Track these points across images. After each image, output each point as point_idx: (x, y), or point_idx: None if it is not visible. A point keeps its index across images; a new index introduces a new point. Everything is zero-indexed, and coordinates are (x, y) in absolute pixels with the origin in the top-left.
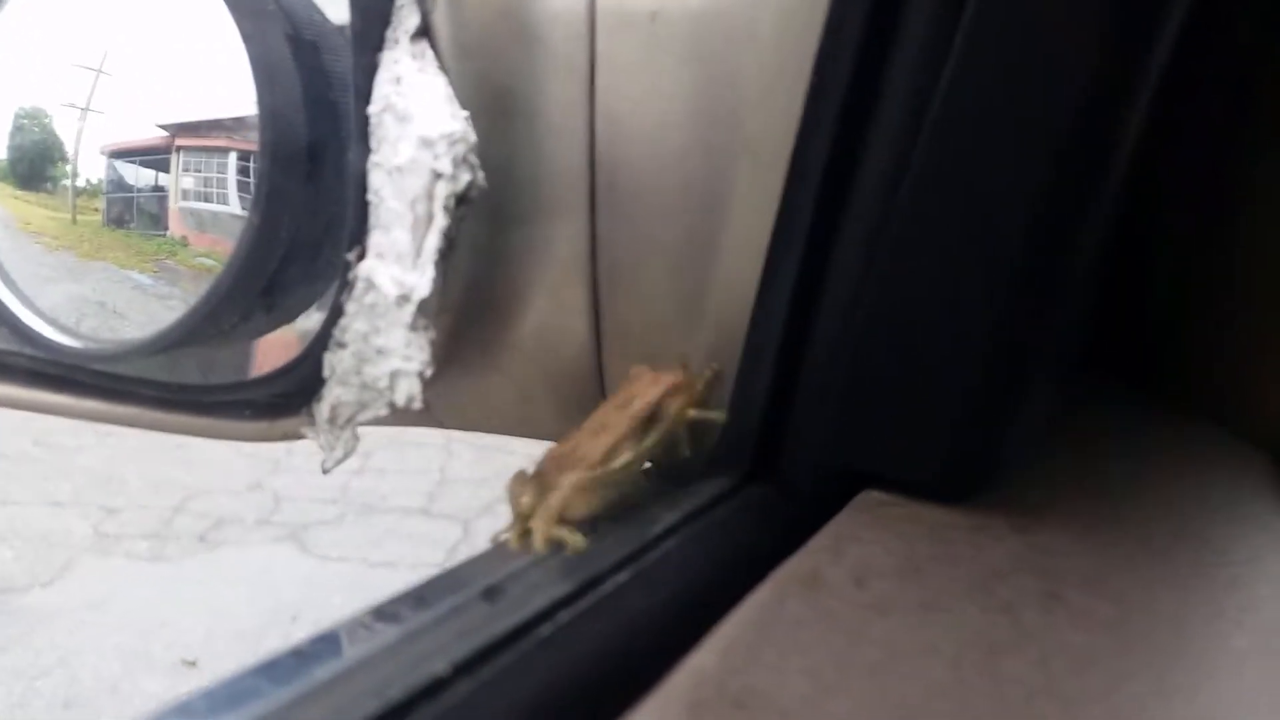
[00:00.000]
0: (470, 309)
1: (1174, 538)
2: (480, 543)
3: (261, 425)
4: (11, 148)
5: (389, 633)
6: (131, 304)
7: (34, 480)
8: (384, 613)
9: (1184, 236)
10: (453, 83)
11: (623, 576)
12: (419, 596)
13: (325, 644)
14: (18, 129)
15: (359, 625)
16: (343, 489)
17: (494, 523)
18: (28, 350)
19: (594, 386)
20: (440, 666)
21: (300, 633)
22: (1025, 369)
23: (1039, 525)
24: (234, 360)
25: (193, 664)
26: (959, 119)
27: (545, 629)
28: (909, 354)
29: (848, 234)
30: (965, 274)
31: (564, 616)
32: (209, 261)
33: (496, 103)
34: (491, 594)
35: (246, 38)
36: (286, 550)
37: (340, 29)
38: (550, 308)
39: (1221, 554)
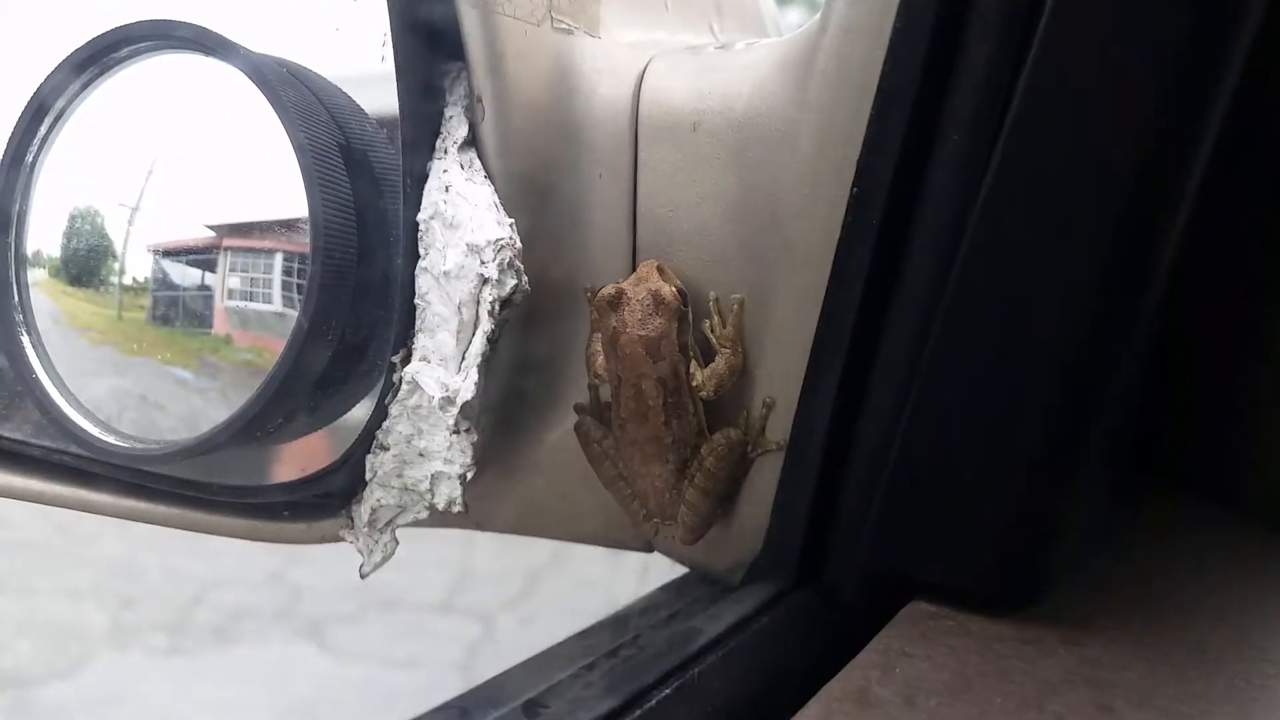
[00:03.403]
0: (511, 409)
1: (1228, 648)
2: (501, 641)
3: (300, 527)
4: (65, 246)
5: None
6: (173, 398)
7: (54, 569)
8: None
9: (1232, 337)
10: (498, 185)
11: (666, 691)
12: (459, 709)
13: None
14: (72, 228)
15: None
16: (362, 582)
17: (515, 619)
18: (73, 449)
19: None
20: None
21: None
22: (1073, 474)
23: (1089, 637)
24: (260, 460)
25: None
26: (999, 227)
27: None
28: (955, 460)
29: (890, 338)
30: (1010, 380)
31: None
32: (250, 357)
33: (540, 204)
34: (532, 709)
35: (299, 148)
36: (305, 647)
37: (390, 136)
38: None
39: (1278, 665)
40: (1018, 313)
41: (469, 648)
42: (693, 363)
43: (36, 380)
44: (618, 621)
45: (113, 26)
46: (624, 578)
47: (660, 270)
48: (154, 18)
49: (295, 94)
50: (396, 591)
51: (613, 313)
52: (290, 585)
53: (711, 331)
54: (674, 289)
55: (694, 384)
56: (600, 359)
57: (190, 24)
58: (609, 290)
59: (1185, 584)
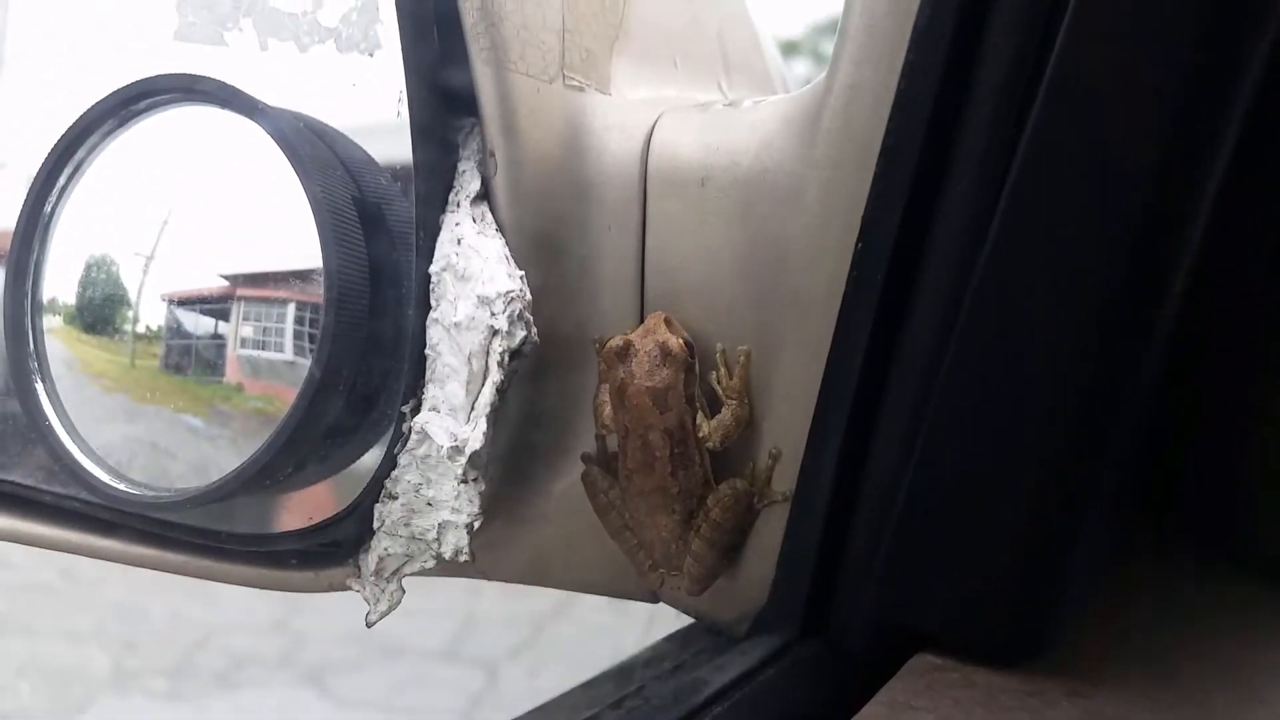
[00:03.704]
0: (519, 459)
1: (1233, 702)
2: (505, 690)
3: (308, 575)
4: (80, 294)
5: None
6: (184, 446)
7: (57, 612)
8: None
9: (1240, 382)
10: (510, 238)
11: None
12: None
13: None
14: (87, 276)
15: None
16: (365, 630)
17: (520, 668)
18: (84, 495)
19: None
20: None
21: None
22: (1080, 527)
23: (1094, 689)
24: (269, 509)
25: None
26: (1002, 283)
27: None
28: (960, 512)
29: (895, 391)
30: (1017, 432)
31: None
32: (261, 405)
33: (551, 257)
34: None
35: (314, 202)
36: (306, 694)
37: (403, 188)
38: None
39: None
40: (1022, 364)
41: (472, 697)
42: (699, 414)
43: (49, 426)
44: (622, 672)
45: (134, 80)
46: (629, 627)
47: (668, 322)
48: (174, 72)
49: (311, 149)
50: (400, 639)
51: (620, 364)
52: (294, 632)
53: (718, 383)
54: (681, 341)
55: (700, 435)
56: (608, 409)
57: (210, 79)
58: (617, 342)
59: (1191, 636)
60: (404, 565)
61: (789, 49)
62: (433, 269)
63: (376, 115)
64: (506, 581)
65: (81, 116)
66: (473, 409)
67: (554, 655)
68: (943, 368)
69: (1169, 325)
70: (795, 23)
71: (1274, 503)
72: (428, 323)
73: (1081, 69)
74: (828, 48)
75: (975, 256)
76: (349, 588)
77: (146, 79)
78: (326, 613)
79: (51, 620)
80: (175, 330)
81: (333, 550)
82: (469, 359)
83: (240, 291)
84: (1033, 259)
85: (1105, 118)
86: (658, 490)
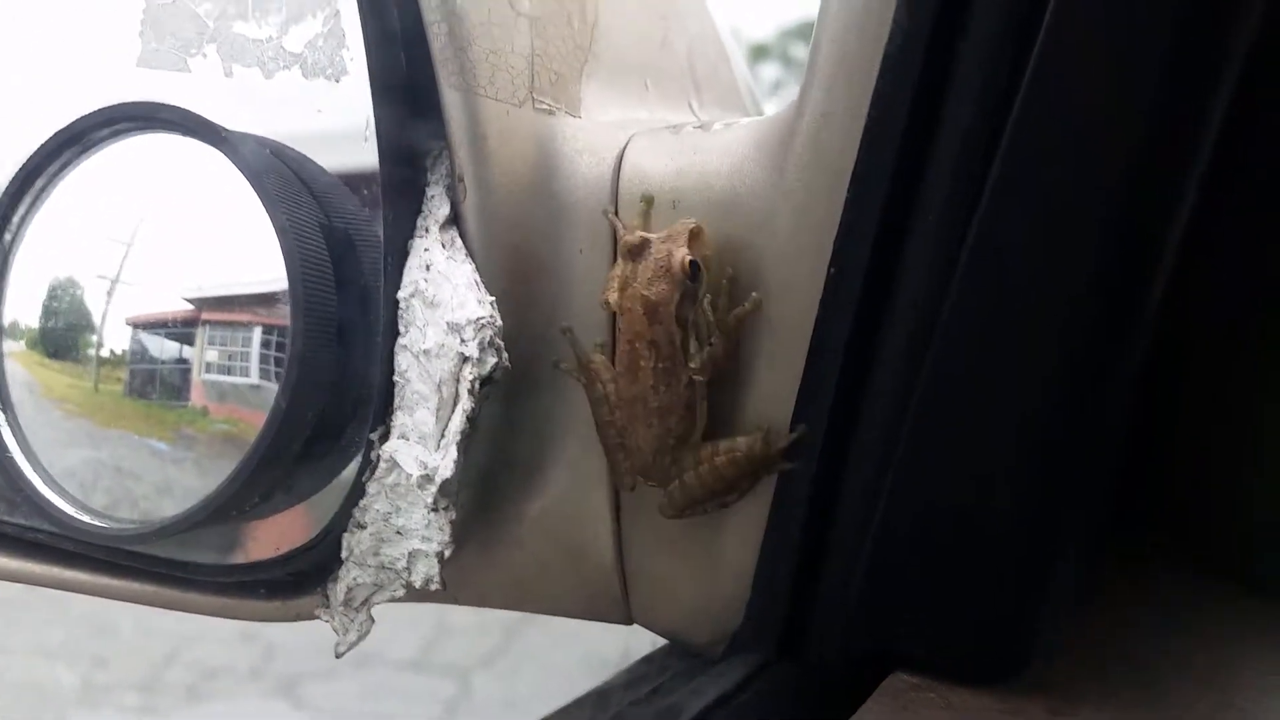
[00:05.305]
0: (490, 483)
1: (1213, 713)
2: (478, 698)
3: (275, 605)
4: (43, 318)
5: None
6: (147, 469)
7: (26, 627)
8: None
9: (1228, 396)
10: (480, 263)
11: None
12: None
13: None
14: (50, 300)
15: None
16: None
17: (492, 675)
18: (47, 527)
19: (614, 554)
20: None
21: None
22: (1057, 544)
23: (1073, 706)
24: (236, 539)
25: None
26: (975, 304)
27: None
28: (937, 532)
29: (870, 412)
30: (991, 453)
31: None
32: (227, 428)
33: (522, 281)
34: None
35: (280, 230)
36: (278, 705)
37: (372, 214)
38: (570, 479)
39: None
40: (997, 385)
41: (446, 705)
42: (693, 340)
43: (10, 458)
44: (599, 696)
45: (96, 108)
46: (601, 633)
47: (694, 235)
48: (138, 99)
49: (277, 177)
50: (371, 648)
51: (632, 262)
52: (263, 643)
53: (714, 310)
54: (687, 260)
55: (691, 365)
56: (614, 287)
57: (173, 107)
58: (635, 238)
59: (1170, 647)
60: (373, 595)
61: (758, 53)
62: (401, 295)
63: (343, 137)
64: (479, 606)
65: (43, 145)
66: (443, 436)
67: (526, 662)
68: (917, 390)
69: (1147, 342)
70: (764, 26)
71: (1258, 516)
72: (396, 349)
73: (1050, 98)
74: (797, 51)
75: (948, 279)
76: (317, 617)
77: (108, 107)
78: (296, 624)
79: (19, 636)
80: (140, 355)
81: (301, 580)
82: (439, 386)
83: (205, 315)
84: (1004, 284)
85: (1073, 152)
86: (638, 400)
